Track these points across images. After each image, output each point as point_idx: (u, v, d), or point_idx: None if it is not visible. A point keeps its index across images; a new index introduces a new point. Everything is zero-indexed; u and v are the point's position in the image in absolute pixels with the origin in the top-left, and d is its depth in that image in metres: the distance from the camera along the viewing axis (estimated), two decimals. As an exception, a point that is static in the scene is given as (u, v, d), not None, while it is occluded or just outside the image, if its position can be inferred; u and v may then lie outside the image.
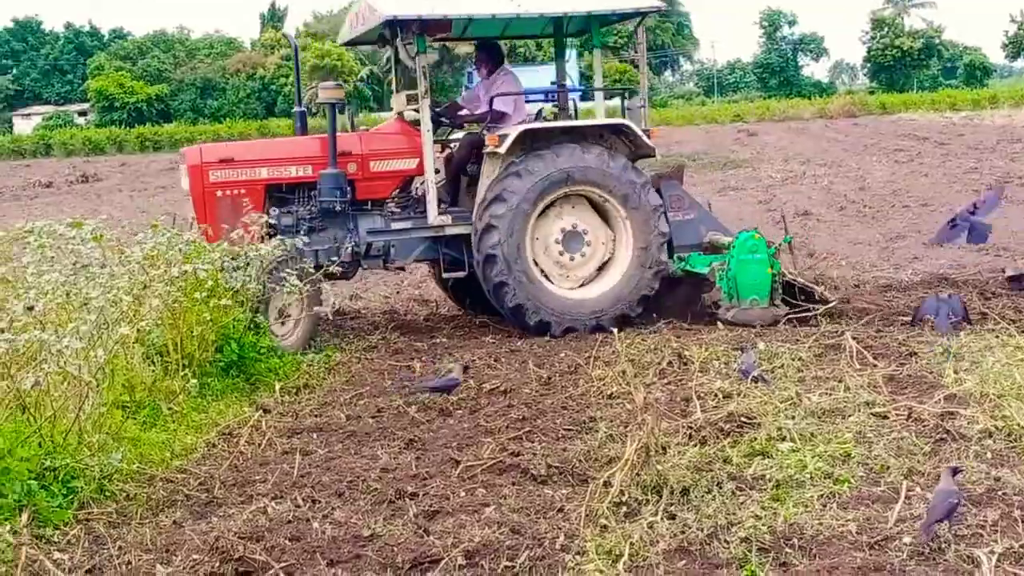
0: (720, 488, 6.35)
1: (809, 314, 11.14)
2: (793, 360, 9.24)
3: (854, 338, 9.53)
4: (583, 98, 20.41)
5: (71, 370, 6.40)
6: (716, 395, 8.34)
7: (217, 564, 5.64)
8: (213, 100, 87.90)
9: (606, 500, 6.19)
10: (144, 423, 8.17)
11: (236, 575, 5.60)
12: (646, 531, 5.83)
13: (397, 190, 12.01)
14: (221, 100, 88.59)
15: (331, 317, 10.82)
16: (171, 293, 8.39)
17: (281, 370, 9.88)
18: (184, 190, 11.54)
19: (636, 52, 42.32)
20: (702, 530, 5.81)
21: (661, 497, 6.25)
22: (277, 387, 9.32)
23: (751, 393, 8.26)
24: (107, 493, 6.85)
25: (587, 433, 7.73)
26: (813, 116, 67.57)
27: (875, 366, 8.92)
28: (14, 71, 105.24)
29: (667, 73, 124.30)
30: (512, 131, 11.23)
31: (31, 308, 6.67)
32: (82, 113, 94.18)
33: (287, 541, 5.91)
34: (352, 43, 13.26)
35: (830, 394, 8.19)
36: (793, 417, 7.63)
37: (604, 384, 8.93)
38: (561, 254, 11.60)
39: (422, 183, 11.78)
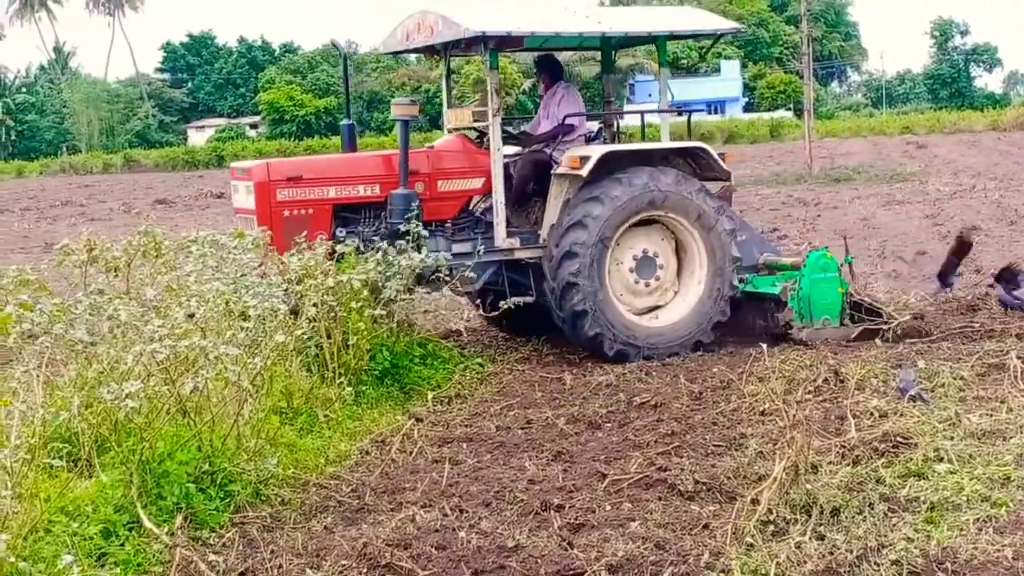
0: (872, 509, 6.22)
1: (885, 327, 11.12)
2: (954, 379, 8.98)
3: (1019, 357, 9.24)
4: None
5: (229, 376, 6.58)
6: (872, 414, 8.16)
7: (365, 570, 5.77)
8: (379, 113, 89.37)
9: (753, 518, 6.11)
10: (301, 429, 8.37)
11: (382, 581, 5.69)
12: (793, 551, 5.74)
13: (461, 211, 11.47)
14: (387, 113, 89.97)
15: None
16: (326, 302, 8.56)
17: (434, 379, 10.01)
18: (240, 207, 11.01)
19: (801, 63, 41.73)
20: (851, 552, 5.70)
21: (810, 517, 6.15)
22: (430, 396, 9.48)
23: (908, 412, 8.07)
24: (262, 497, 7.04)
25: (737, 450, 7.64)
26: (985, 128, 65.62)
27: (1040, 387, 8.63)
28: (189, 84, 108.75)
29: (834, 84, 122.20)
30: (593, 153, 10.92)
31: (192, 315, 6.90)
32: (253, 126, 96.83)
33: (433, 549, 5.99)
34: (400, 53, 12.97)
35: (991, 415, 7.95)
36: (951, 438, 7.43)
37: (756, 400, 8.81)
38: (636, 281, 11.31)
39: (481, 203, 11.46)
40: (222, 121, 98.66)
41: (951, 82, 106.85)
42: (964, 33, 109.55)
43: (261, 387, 7.69)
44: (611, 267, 11.05)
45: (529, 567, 5.74)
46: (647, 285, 11.34)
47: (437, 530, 6.33)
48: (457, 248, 11.07)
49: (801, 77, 49.12)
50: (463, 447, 8.17)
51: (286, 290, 8.19)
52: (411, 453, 8.08)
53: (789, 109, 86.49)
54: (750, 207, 26.98)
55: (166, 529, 6.20)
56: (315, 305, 8.31)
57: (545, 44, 12.48)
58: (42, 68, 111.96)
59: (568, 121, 11.67)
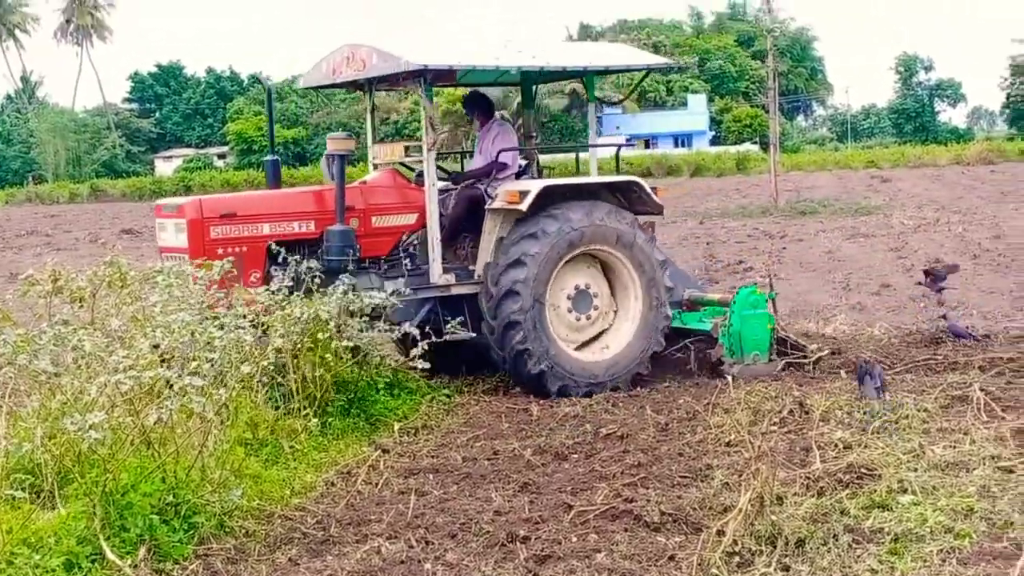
0: (836, 540, 6.24)
1: (807, 362, 11.44)
2: (918, 411, 9.02)
3: (982, 389, 9.33)
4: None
5: (194, 407, 6.55)
6: (836, 445, 8.21)
7: (329, 602, 5.72)
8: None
9: (719, 550, 6.12)
10: (266, 461, 8.33)
11: (347, 614, 5.66)
12: (758, 583, 5.76)
13: (393, 247, 11.16)
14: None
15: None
16: (292, 333, 8.55)
17: (400, 410, 10.00)
18: (168, 246, 10.45)
19: (767, 97, 42.05)
20: (816, 583, 5.72)
21: (775, 548, 6.17)
22: (396, 427, 9.46)
23: (873, 444, 8.11)
24: (227, 529, 6.99)
25: (703, 481, 7.66)
26: (949, 163, 66.17)
27: (1003, 419, 8.69)
28: (157, 114, 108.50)
29: (800, 118, 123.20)
30: (532, 187, 10.84)
31: (156, 346, 6.87)
32: (221, 156, 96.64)
33: (398, 582, 5.97)
34: (324, 87, 12.41)
35: (954, 446, 8.00)
36: (915, 469, 7.47)
37: (722, 432, 8.85)
38: (576, 318, 11.28)
39: (412, 239, 11.19)
40: (190, 151, 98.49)
41: (915, 117, 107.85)
42: (928, 68, 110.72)
43: (226, 418, 7.66)
44: (550, 303, 10.99)
45: (494, 599, 5.73)
46: (581, 319, 11.32)
47: (403, 562, 6.32)
48: (390, 285, 10.73)
49: (767, 111, 49.42)
50: (429, 478, 8.15)
51: (252, 321, 8.15)
52: (377, 484, 8.06)
53: (755, 143, 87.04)
54: (716, 239, 27.13)
55: (129, 561, 6.16)
56: (281, 336, 8.28)
57: (480, 79, 12.54)
58: (8, 97, 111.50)
59: (501, 158, 11.63)
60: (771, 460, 7.02)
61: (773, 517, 6.39)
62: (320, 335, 8.87)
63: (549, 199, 10.91)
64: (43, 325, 7.06)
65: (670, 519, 6.88)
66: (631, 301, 11.35)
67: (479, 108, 12.22)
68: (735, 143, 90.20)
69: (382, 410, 9.82)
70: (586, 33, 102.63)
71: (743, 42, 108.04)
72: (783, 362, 11.43)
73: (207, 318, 7.62)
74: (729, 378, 10.30)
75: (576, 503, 7.27)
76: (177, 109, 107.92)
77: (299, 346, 8.77)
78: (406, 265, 11.05)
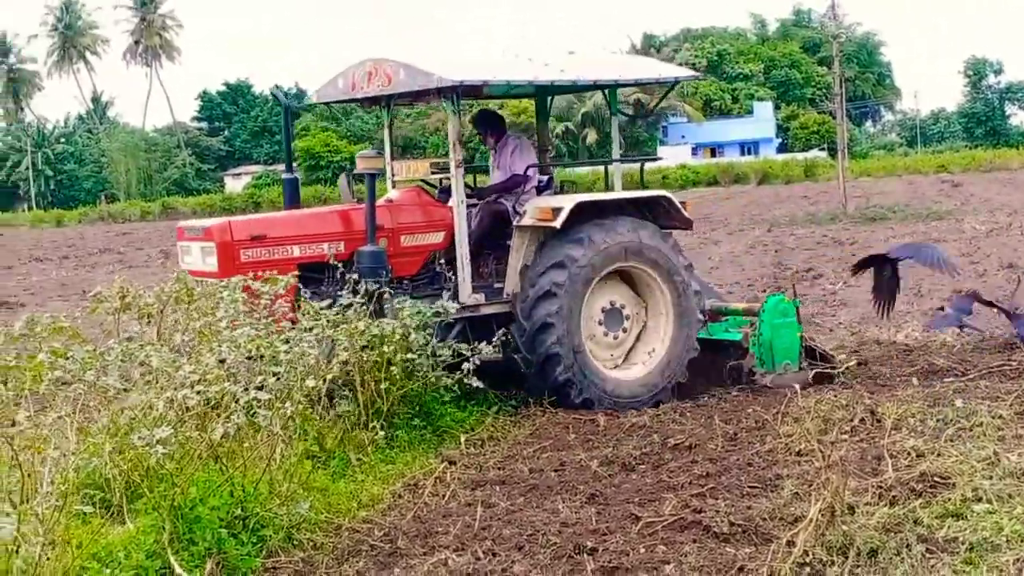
0: (910, 550, 6.13)
1: (835, 372, 11.34)
2: (993, 418, 8.85)
3: (1058, 396, 9.14)
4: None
5: (260, 421, 6.58)
6: (909, 453, 8.06)
7: (396, 615, 5.71)
8: (413, 160, 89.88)
9: (789, 560, 6.04)
10: (334, 473, 8.36)
11: (414, 627, 5.64)
12: (830, 594, 5.66)
13: (422, 267, 10.91)
14: (420, 157, 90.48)
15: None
16: (357, 348, 8.57)
17: (467, 421, 9.97)
18: (194, 270, 9.91)
19: (834, 103, 41.68)
20: (888, 594, 5.62)
21: (847, 558, 6.07)
22: (463, 439, 9.44)
23: (946, 452, 7.96)
24: (295, 542, 7.03)
25: (772, 491, 7.56)
26: (1021, 167, 65.32)
27: (1080, 425, 8.51)
28: (226, 132, 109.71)
29: (868, 124, 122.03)
30: (565, 203, 10.58)
31: (223, 361, 6.91)
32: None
33: (464, 594, 5.94)
34: (339, 102, 12.13)
35: (1031, 454, 7.83)
36: (990, 477, 7.31)
37: (792, 441, 8.73)
38: (605, 334, 11.03)
39: (439, 258, 10.94)
40: (258, 168, 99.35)
41: (986, 120, 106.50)
42: (998, 72, 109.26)
43: (293, 432, 7.69)
44: (584, 328, 10.74)
45: (562, 611, 5.69)
46: (615, 338, 11.10)
47: (469, 574, 6.30)
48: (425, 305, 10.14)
49: (834, 117, 48.97)
50: (496, 490, 8.12)
51: (318, 336, 8.16)
52: (444, 496, 8.05)
53: (823, 149, 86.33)
54: (785, 247, 26.90)
55: (204, 574, 6.19)
56: (345, 350, 8.30)
57: (508, 93, 12.40)
58: (80, 118, 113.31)
59: (519, 171, 11.40)
60: (842, 469, 6.90)
61: (844, 527, 6.29)
62: (386, 348, 8.87)
63: (580, 215, 10.65)
64: (111, 342, 7.15)
65: (739, 530, 6.79)
66: (662, 313, 11.15)
67: (492, 126, 11.97)
68: (803, 150, 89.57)
69: (449, 422, 9.79)
70: (650, 43, 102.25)
71: (809, 48, 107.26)
72: (814, 371, 11.26)
73: (272, 332, 7.66)
74: (797, 387, 10.15)
75: (644, 514, 7.21)
76: (245, 127, 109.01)
77: (364, 360, 8.77)
78: (432, 286, 10.75)
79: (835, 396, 10.10)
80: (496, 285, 10.99)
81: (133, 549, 6.22)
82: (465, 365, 9.54)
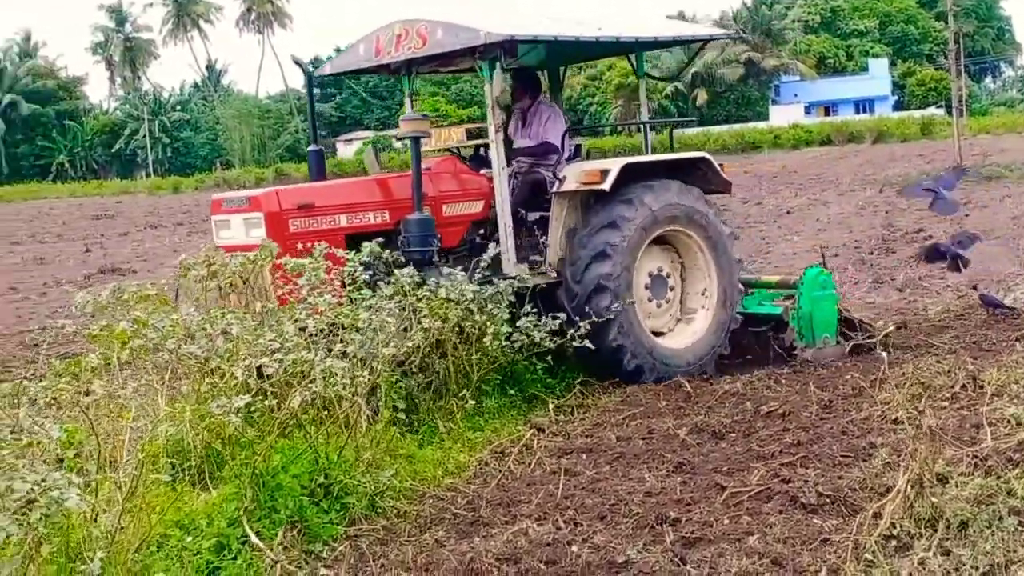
0: (1001, 523, 5.90)
1: (873, 341, 10.99)
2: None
3: None
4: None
5: (339, 390, 6.58)
6: (1009, 422, 7.77)
7: (471, 586, 5.68)
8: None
9: (875, 533, 5.87)
10: (422, 441, 8.36)
11: (488, 598, 5.60)
12: (916, 567, 5.49)
13: (463, 238, 10.53)
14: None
15: None
16: (443, 314, 8.55)
17: (557, 389, 9.90)
18: (234, 244, 9.42)
19: (950, 59, 40.62)
20: (977, 568, 5.42)
21: (935, 531, 5.87)
22: (551, 406, 9.35)
23: (1049, 420, 7.68)
24: (379, 510, 7.03)
25: (864, 460, 7.34)
26: None
27: None
28: (337, 98, 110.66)
29: (987, 80, 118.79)
30: (612, 165, 10.22)
31: (303, 329, 6.92)
32: (400, 138, 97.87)
33: (542, 565, 5.89)
34: (359, 72, 11.58)
35: None
36: (1093, 448, 7.04)
37: (889, 408, 8.50)
38: (650, 300, 10.68)
39: (478, 229, 10.62)
40: (369, 134, 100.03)
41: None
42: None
43: (380, 400, 7.70)
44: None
45: (639, 584, 5.60)
46: (659, 306, 10.80)
47: (549, 544, 6.22)
48: (459, 278, 9.55)
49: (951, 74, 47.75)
50: (582, 458, 8.04)
51: (399, 303, 8.13)
52: (529, 464, 7.99)
53: (941, 106, 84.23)
54: (896, 207, 26.28)
55: (279, 542, 6.21)
56: (426, 316, 8.26)
57: (531, 58, 11.68)
58: (195, 86, 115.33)
59: (553, 140, 11.05)
60: (934, 438, 6.70)
61: (934, 499, 6.09)
62: (477, 318, 8.81)
63: (635, 179, 10.38)
64: (192, 309, 7.20)
65: (828, 500, 6.62)
66: (705, 281, 10.90)
67: (530, 87, 11.47)
68: (919, 108, 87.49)
69: (539, 389, 9.74)
70: (761, 0, 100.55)
71: (925, 3, 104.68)
72: (850, 344, 10.95)
73: (353, 300, 7.65)
74: (884, 354, 9.88)
75: (730, 484, 7.07)
76: (356, 93, 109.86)
77: (447, 328, 8.72)
78: (472, 257, 10.08)
79: (937, 362, 9.82)
80: (532, 257, 10.43)
81: (215, 516, 6.27)
82: (570, 332, 9.51)
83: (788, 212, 28.31)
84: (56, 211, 56.06)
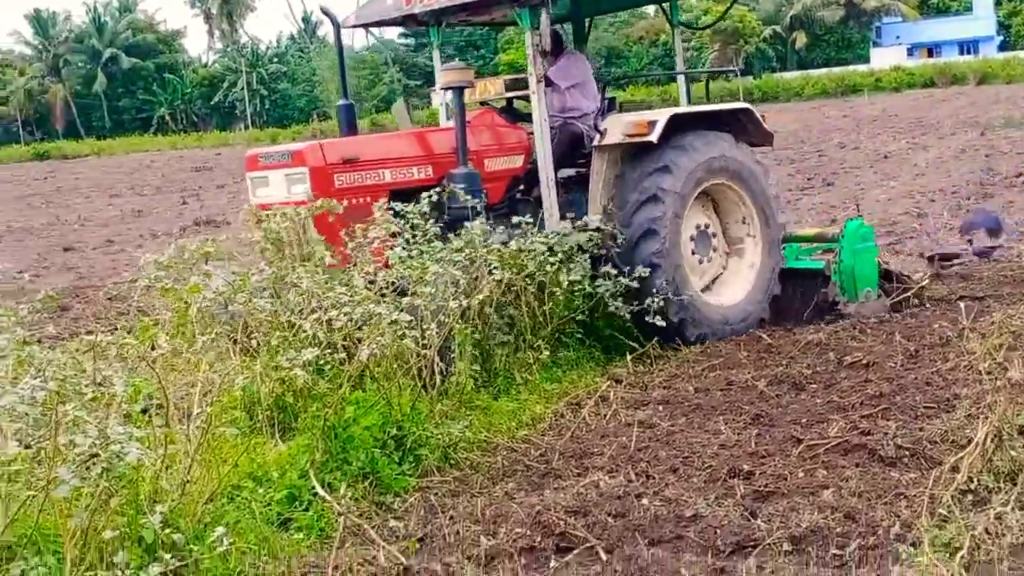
0: (1084, 478, 5.73)
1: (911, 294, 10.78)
2: None
3: None
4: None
5: (407, 343, 6.57)
6: (1102, 372, 7.55)
7: (539, 538, 5.66)
8: (617, 68, 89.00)
9: (952, 487, 5.72)
10: (498, 392, 8.33)
11: (556, 550, 5.57)
12: (992, 523, 5.33)
13: (504, 194, 10.21)
14: (624, 67, 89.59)
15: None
16: (516, 265, 8.49)
17: (638, 338, 9.79)
18: (274, 201, 9.00)
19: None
20: (1056, 524, 5.26)
21: (1015, 485, 5.70)
22: (629, 357, 9.25)
23: None
24: (452, 461, 7.03)
25: (947, 412, 7.19)
26: None
27: None
28: (428, 48, 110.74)
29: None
30: (659, 116, 9.75)
31: (372, 282, 6.92)
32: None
33: (610, 518, 5.83)
34: (379, 24, 11.00)
35: None
36: None
37: (976, 359, 8.26)
38: (694, 256, 10.20)
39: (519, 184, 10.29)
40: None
41: None
42: None
43: (453, 352, 7.69)
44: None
45: (707, 537, 5.52)
46: (701, 262, 10.32)
47: (619, 497, 6.17)
48: (497, 238, 9.18)
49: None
50: (658, 409, 7.97)
51: (469, 256, 8.07)
52: (605, 416, 7.94)
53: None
54: (997, 151, 25.65)
55: (350, 494, 6.24)
56: (497, 268, 8.20)
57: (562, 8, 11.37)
58: (292, 38, 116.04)
59: (583, 92, 10.64)
60: (1014, 390, 6.50)
61: (1013, 452, 5.91)
62: (549, 268, 8.73)
63: (678, 132, 9.93)
64: (262, 264, 7.24)
65: (906, 453, 6.49)
66: (749, 239, 10.51)
67: (554, 40, 10.63)
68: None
69: (619, 339, 9.64)
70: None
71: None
72: (890, 299, 10.63)
73: (422, 252, 7.62)
74: (962, 305, 9.62)
75: (807, 436, 6.96)
76: (451, 41, 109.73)
77: (520, 278, 8.66)
78: (513, 214, 9.67)
79: (1028, 310, 9.55)
80: (568, 214, 9.87)
81: (288, 468, 6.32)
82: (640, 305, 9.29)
83: (885, 157, 27.77)
84: (156, 164, 57.02)
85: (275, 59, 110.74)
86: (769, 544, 5.37)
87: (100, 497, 4.85)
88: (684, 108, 10.48)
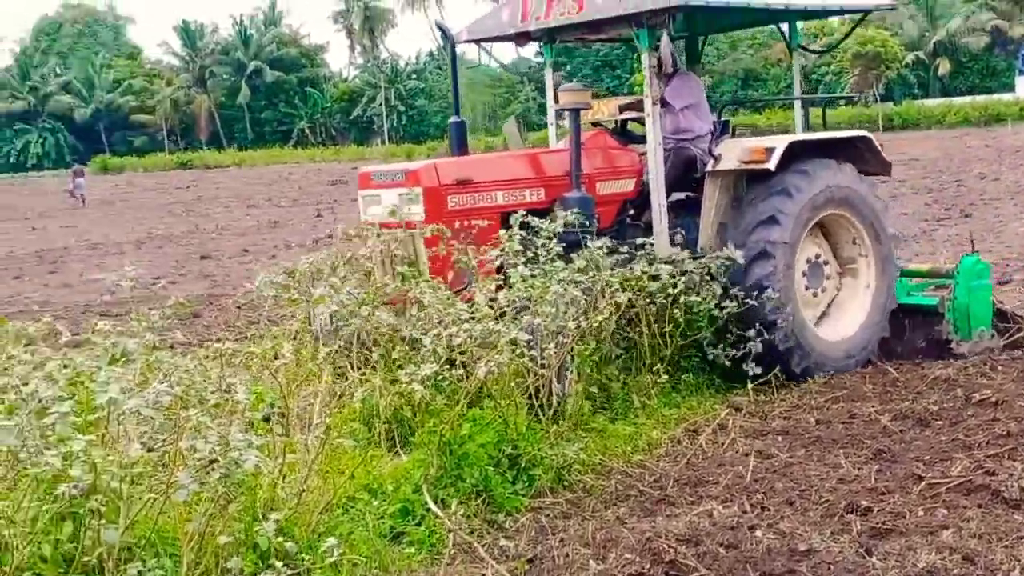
0: None
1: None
2: None
3: None
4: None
5: (526, 361, 6.61)
6: None
7: (648, 566, 5.62)
8: (753, 90, 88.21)
9: (1077, 533, 5.56)
10: (615, 416, 8.32)
11: (664, 578, 5.54)
12: (1119, 573, 5.18)
13: (615, 219, 9.87)
14: (761, 90, 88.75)
15: None
16: (636, 288, 8.47)
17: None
18: (388, 221, 8.83)
19: None
20: None
21: None
22: (750, 385, 9.14)
23: None
24: (565, 483, 7.04)
25: (1079, 455, 6.98)
26: None
27: None
28: (567, 67, 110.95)
29: None
30: (777, 143, 9.45)
31: (494, 299, 6.97)
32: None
33: (722, 548, 5.78)
34: (489, 40, 10.66)
35: None
36: None
37: (1110, 401, 8.03)
38: (807, 289, 9.78)
39: (629, 209, 9.94)
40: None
41: None
42: None
43: (570, 372, 7.69)
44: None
45: (820, 573, 5.45)
46: (815, 295, 9.92)
47: (732, 528, 6.11)
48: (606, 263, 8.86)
49: None
50: (777, 440, 7.87)
51: (592, 279, 8.05)
52: (722, 444, 7.87)
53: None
54: None
55: (462, 511, 6.29)
56: (618, 291, 8.18)
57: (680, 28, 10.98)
58: (431, 55, 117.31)
59: (698, 115, 10.26)
60: None
61: None
62: (671, 291, 8.68)
63: (797, 159, 9.59)
64: (386, 278, 7.34)
65: (1032, 496, 6.32)
66: (863, 273, 10.06)
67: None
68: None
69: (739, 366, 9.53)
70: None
71: None
72: (1006, 337, 10.12)
73: (545, 272, 7.63)
74: None
75: (929, 474, 6.81)
76: (587, 61, 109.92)
77: (641, 304, 8.62)
78: (624, 239, 9.37)
79: None
80: (677, 239, 9.65)
81: (403, 481, 6.40)
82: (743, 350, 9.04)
83: (1027, 189, 27.07)
84: (294, 176, 58.19)
85: (413, 75, 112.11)
86: (883, 583, 5.28)
87: (218, 503, 4.98)
88: (802, 135, 10.18)
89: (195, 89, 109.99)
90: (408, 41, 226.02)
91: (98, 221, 35.43)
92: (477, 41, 10.67)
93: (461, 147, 9.96)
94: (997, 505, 6.27)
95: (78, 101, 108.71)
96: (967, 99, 76.67)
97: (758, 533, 6.01)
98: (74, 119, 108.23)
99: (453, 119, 10.05)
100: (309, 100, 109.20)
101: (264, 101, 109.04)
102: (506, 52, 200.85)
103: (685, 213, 9.95)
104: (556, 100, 10.27)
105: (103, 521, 4.61)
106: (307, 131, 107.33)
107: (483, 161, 9.81)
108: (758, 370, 9.00)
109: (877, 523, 6.07)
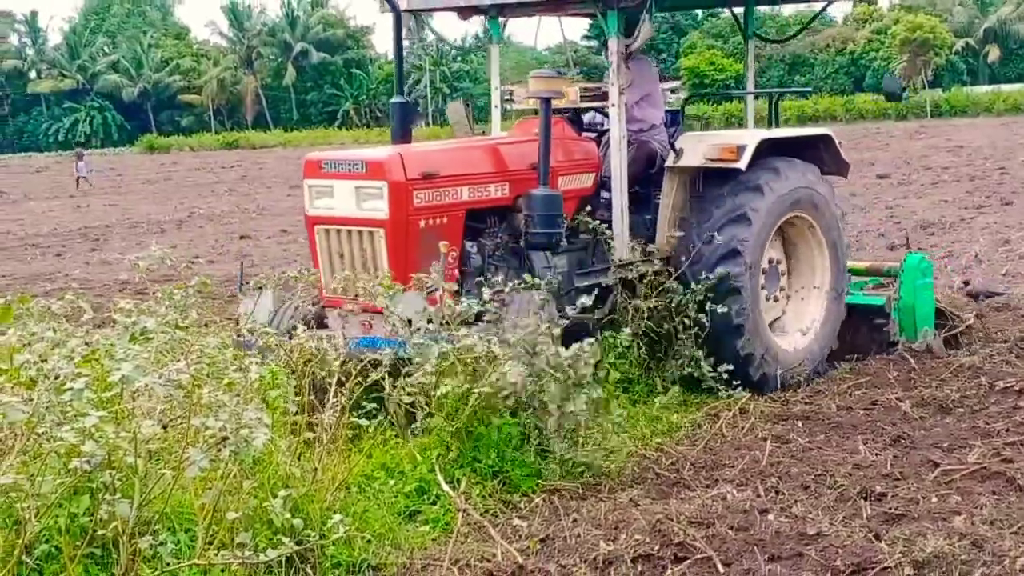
0: None
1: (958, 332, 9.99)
2: None
3: None
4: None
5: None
6: None
7: (658, 547, 5.68)
8: (800, 76, 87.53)
9: (1088, 521, 5.57)
10: (636, 398, 8.36)
11: (673, 559, 5.59)
12: (1121, 561, 5.19)
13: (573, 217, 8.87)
14: (808, 76, 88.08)
15: None
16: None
17: (784, 354, 9.69)
18: (339, 216, 7.98)
19: None
20: None
21: None
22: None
23: None
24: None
25: (1098, 442, 6.98)
26: None
27: None
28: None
29: None
30: (748, 140, 8.82)
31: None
32: (673, 91, 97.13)
33: (731, 531, 5.84)
34: (430, 10, 9.84)
35: None
36: None
37: None
38: (763, 291, 9.10)
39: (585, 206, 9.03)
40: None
41: None
42: None
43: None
44: None
45: (827, 557, 5.48)
46: (769, 299, 9.28)
47: (744, 511, 6.16)
48: (560, 264, 8.56)
49: None
50: (797, 425, 7.91)
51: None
52: (742, 428, 7.90)
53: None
54: None
55: (478, 491, 6.37)
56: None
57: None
58: (476, 37, 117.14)
59: (650, 104, 9.44)
60: None
61: None
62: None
63: (761, 158, 8.96)
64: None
65: (1047, 484, 6.33)
66: (817, 275, 9.53)
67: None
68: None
69: (764, 353, 9.53)
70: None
71: None
72: (943, 335, 9.82)
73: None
74: None
75: (945, 461, 6.85)
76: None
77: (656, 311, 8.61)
78: (574, 239, 8.84)
79: None
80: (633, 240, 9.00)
81: (421, 461, 6.48)
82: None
83: (1074, 180, 26.74)
84: (337, 157, 58.26)
85: (459, 58, 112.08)
86: (890, 568, 5.31)
87: (232, 479, 5.08)
88: (771, 132, 9.32)
89: (242, 70, 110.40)
90: (454, 24, 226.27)
91: (142, 200, 35.77)
92: (418, 11, 9.78)
93: (405, 131, 8.93)
94: (1011, 492, 6.31)
95: (126, 80, 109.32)
96: (1016, 87, 75.77)
97: (769, 517, 6.06)
98: (122, 98, 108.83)
99: (396, 99, 9.00)
100: (355, 82, 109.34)
101: (310, 82, 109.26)
102: (554, 36, 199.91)
103: (634, 209, 9.13)
104: (501, 83, 9.69)
105: (118, 495, 4.71)
106: (352, 112, 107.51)
107: (448, 151, 8.75)
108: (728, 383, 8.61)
109: (889, 508, 6.12)
